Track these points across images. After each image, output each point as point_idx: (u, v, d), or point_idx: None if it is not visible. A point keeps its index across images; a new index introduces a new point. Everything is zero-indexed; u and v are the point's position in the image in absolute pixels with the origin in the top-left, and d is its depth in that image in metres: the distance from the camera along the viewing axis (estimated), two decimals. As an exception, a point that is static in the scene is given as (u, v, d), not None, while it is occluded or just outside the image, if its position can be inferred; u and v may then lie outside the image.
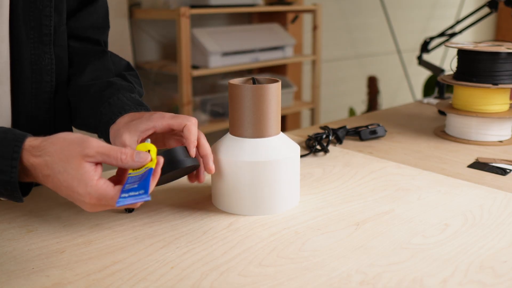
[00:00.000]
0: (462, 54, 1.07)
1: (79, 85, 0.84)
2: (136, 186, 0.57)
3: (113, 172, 0.87)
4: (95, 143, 0.59)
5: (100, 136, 0.80)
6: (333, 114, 3.19)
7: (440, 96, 1.43)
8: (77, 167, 0.57)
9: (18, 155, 0.57)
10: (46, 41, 0.79)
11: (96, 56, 0.88)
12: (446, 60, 3.54)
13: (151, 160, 0.60)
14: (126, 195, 0.57)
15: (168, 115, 0.69)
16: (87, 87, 0.83)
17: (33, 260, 0.58)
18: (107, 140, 0.75)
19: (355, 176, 0.85)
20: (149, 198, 0.56)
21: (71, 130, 0.90)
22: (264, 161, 0.67)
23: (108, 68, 0.87)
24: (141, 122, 0.69)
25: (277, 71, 2.77)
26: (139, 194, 0.56)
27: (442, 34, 1.51)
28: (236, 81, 0.71)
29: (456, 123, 1.07)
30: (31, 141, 0.59)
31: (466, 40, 3.91)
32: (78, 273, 0.55)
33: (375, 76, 3.05)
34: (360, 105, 3.27)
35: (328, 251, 0.59)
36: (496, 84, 1.01)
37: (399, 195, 0.76)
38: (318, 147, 0.99)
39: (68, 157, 0.58)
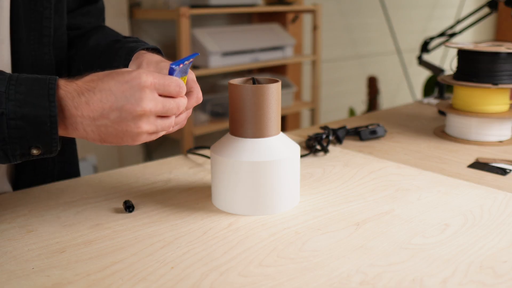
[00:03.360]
0: (462, 54, 1.07)
1: (87, 48, 0.83)
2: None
3: (113, 172, 0.87)
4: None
5: None
6: (333, 114, 3.19)
7: (440, 96, 1.43)
8: (128, 73, 0.57)
9: (54, 91, 0.56)
10: (46, 42, 0.79)
11: (98, 28, 0.88)
12: (446, 60, 3.54)
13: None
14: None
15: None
16: (95, 47, 0.82)
17: (33, 260, 0.58)
18: None
19: (355, 176, 0.85)
20: (197, 54, 0.61)
21: None
22: (264, 161, 0.67)
23: (112, 32, 0.87)
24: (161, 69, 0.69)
25: (277, 71, 2.77)
26: (186, 57, 0.62)
27: (442, 34, 1.51)
28: (236, 81, 0.71)
29: (456, 123, 1.07)
30: (63, 79, 0.59)
31: (466, 40, 3.91)
32: (78, 273, 0.55)
33: (375, 76, 3.05)
34: (360, 105, 3.27)
35: (328, 251, 0.59)
36: (496, 84, 1.01)
37: (399, 195, 0.76)
38: (318, 147, 0.99)
39: (117, 72, 0.58)
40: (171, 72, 0.61)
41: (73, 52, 0.86)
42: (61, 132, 0.58)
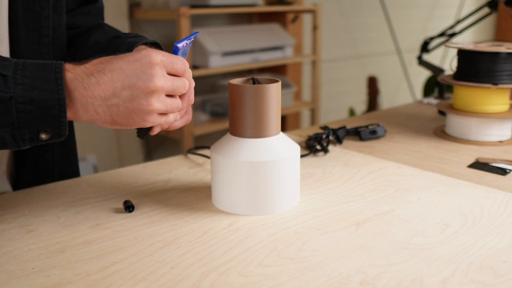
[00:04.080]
0: (462, 54, 1.07)
1: (87, 46, 0.83)
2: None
3: (113, 172, 0.87)
4: None
5: None
6: (333, 114, 3.19)
7: (440, 96, 1.43)
8: (137, 52, 0.59)
9: (61, 75, 0.56)
10: (45, 42, 0.79)
11: (97, 26, 0.89)
12: (446, 60, 3.54)
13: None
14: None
15: None
16: (96, 44, 0.82)
17: (33, 260, 0.58)
18: None
19: (355, 176, 0.85)
20: (198, 32, 0.63)
21: (73, 129, 0.90)
22: (264, 161, 0.67)
23: (112, 29, 0.88)
24: None
25: (277, 71, 2.77)
26: (189, 36, 0.64)
27: (442, 34, 1.51)
28: (236, 81, 0.71)
29: (456, 123, 1.07)
30: (70, 63, 0.59)
31: (466, 40, 3.91)
32: (78, 273, 0.55)
33: (375, 76, 3.05)
34: (360, 105, 3.27)
35: (328, 251, 0.59)
36: (496, 84, 1.01)
37: (399, 195, 0.76)
38: (318, 147, 0.99)
39: (124, 54, 0.59)
40: (175, 51, 0.63)
41: (73, 51, 0.86)
42: (71, 116, 0.58)
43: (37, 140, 0.57)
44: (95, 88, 0.57)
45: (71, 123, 0.89)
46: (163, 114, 0.62)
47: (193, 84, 0.67)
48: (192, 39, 0.65)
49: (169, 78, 0.60)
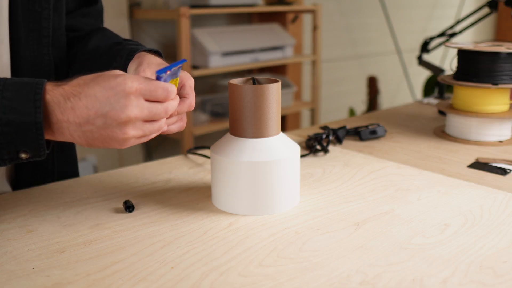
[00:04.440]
0: (462, 54, 1.07)
1: (87, 50, 0.83)
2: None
3: (113, 172, 0.87)
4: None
5: None
6: (333, 114, 3.19)
7: (440, 96, 1.43)
8: (114, 78, 0.57)
9: (40, 96, 0.55)
10: (45, 43, 0.79)
11: (98, 30, 0.88)
12: (446, 60, 3.54)
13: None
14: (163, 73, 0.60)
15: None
16: (96, 48, 0.82)
17: (33, 260, 0.58)
18: None
19: (355, 176, 0.85)
20: (185, 60, 0.61)
21: None
22: (264, 161, 0.67)
23: (113, 35, 0.87)
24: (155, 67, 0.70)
25: (277, 71, 2.77)
26: (174, 64, 0.61)
27: (442, 34, 1.51)
28: (236, 81, 0.71)
29: (456, 123, 1.07)
30: (51, 83, 0.58)
31: (466, 40, 3.91)
32: (78, 273, 0.55)
33: (375, 76, 3.05)
34: (360, 105, 3.27)
35: (328, 251, 0.59)
36: (496, 84, 1.01)
37: (399, 195, 0.76)
38: (318, 147, 0.99)
39: (103, 76, 0.58)
40: (158, 78, 0.61)
41: (73, 52, 0.86)
42: (48, 136, 0.58)
43: (17, 159, 0.58)
44: (70, 113, 0.57)
45: None
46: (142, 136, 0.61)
47: (189, 108, 0.66)
48: (180, 66, 0.63)
49: (146, 105, 0.58)
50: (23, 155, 0.57)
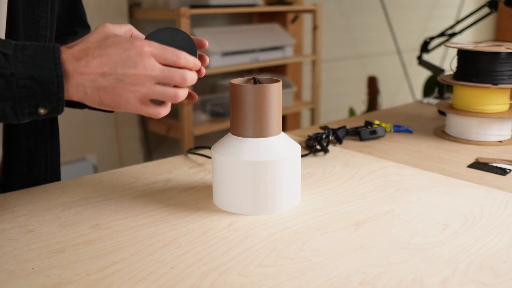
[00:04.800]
0: (462, 54, 1.07)
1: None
2: None
3: (113, 172, 0.87)
4: None
5: None
6: (333, 114, 3.19)
7: (440, 96, 1.43)
8: (125, 41, 0.61)
9: (58, 55, 0.59)
10: None
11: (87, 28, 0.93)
12: (446, 60, 3.54)
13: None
14: None
15: None
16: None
17: (33, 260, 0.58)
18: None
19: (355, 176, 0.85)
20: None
21: (58, 126, 0.91)
22: (265, 161, 0.67)
23: None
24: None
25: (277, 71, 2.77)
26: None
27: (442, 34, 1.51)
28: (237, 81, 0.71)
29: (456, 123, 1.07)
30: (64, 46, 0.62)
31: (466, 40, 3.91)
32: (78, 273, 0.55)
33: (375, 76, 3.05)
34: (360, 105, 3.27)
35: (328, 251, 0.59)
36: (496, 84, 1.01)
37: (399, 195, 0.76)
38: (318, 147, 0.99)
39: (113, 38, 0.61)
40: None
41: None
42: (64, 95, 0.61)
43: (36, 115, 0.60)
44: (84, 70, 0.60)
45: (56, 128, 0.89)
46: (155, 104, 0.63)
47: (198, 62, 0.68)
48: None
49: (158, 66, 0.61)
50: (41, 111, 0.60)
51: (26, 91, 0.58)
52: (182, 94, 0.63)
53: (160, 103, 0.65)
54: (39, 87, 0.58)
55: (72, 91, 0.60)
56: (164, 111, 0.64)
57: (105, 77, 0.60)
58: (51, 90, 0.59)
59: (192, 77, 0.63)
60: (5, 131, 0.80)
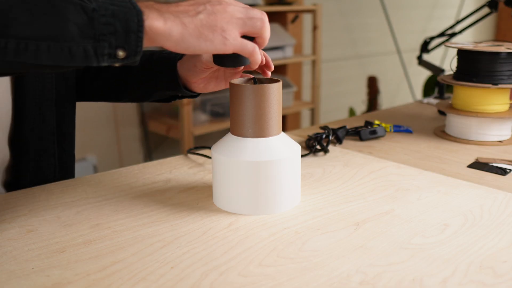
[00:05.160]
0: (462, 54, 1.07)
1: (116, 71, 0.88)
2: None
3: (113, 172, 0.87)
4: None
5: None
6: (333, 114, 3.19)
7: (440, 96, 1.43)
8: None
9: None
10: (48, 76, 0.80)
11: None
12: (446, 60, 3.54)
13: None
14: None
15: None
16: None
17: (33, 260, 0.58)
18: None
19: (355, 176, 0.85)
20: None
21: (74, 130, 0.91)
22: (265, 161, 0.67)
23: None
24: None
25: (277, 71, 2.77)
26: None
27: (442, 34, 1.51)
28: (237, 81, 0.71)
29: (456, 123, 1.07)
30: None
31: (466, 40, 3.91)
32: (78, 273, 0.55)
33: (375, 76, 3.05)
34: (360, 105, 3.27)
35: (328, 251, 0.59)
36: (496, 84, 1.01)
37: (399, 195, 0.77)
38: (318, 147, 0.99)
39: None
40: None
41: (105, 77, 0.90)
42: (146, 38, 0.60)
43: (114, 58, 0.58)
44: (168, 7, 0.61)
45: (72, 127, 0.89)
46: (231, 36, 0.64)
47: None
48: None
49: (242, 9, 0.63)
50: (120, 53, 0.58)
51: (108, 28, 0.56)
52: (258, 51, 0.64)
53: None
54: (120, 25, 0.57)
55: (170, 23, 0.60)
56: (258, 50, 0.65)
57: (199, 7, 0.61)
58: (131, 28, 0.57)
59: (265, 23, 0.64)
60: (12, 131, 0.81)
